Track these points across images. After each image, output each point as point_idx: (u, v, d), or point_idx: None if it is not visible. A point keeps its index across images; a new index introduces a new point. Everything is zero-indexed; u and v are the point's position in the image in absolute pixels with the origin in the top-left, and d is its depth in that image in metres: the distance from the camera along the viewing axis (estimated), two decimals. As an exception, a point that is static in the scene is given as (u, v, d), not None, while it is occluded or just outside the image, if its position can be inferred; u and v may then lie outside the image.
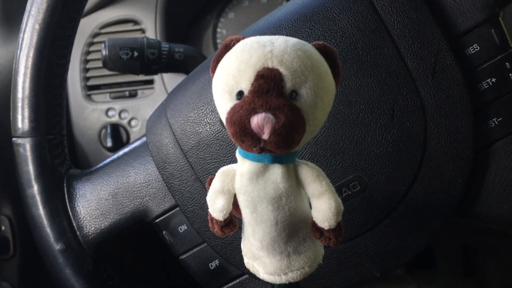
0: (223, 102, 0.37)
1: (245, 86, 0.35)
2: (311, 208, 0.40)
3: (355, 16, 0.47)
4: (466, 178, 0.47)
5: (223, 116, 0.37)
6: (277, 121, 0.33)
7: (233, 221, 0.42)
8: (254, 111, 0.33)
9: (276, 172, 0.38)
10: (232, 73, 0.35)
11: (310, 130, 0.36)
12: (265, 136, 0.33)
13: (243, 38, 0.38)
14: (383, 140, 0.46)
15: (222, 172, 0.40)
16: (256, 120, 0.33)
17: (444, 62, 0.46)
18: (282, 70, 0.34)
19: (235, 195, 0.40)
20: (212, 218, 0.42)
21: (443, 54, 0.46)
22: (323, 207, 0.38)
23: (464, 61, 0.47)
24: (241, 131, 0.34)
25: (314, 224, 0.39)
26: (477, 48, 0.47)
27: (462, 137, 0.46)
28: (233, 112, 0.35)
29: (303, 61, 0.35)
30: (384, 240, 0.48)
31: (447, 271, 0.93)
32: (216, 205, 0.41)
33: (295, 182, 0.39)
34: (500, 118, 0.47)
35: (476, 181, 0.48)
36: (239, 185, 0.39)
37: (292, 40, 0.36)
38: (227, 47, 0.38)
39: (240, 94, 0.35)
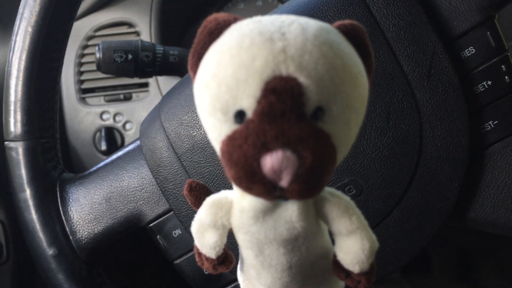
0: (215, 124, 0.26)
1: (248, 104, 0.25)
2: (331, 240, 0.32)
3: (350, 19, 0.46)
4: (461, 181, 0.47)
5: (216, 143, 0.28)
6: (301, 162, 0.24)
7: (229, 257, 0.34)
8: (266, 148, 0.24)
9: (291, 209, 0.29)
10: (227, 83, 0.25)
11: (340, 157, 0.27)
12: (284, 183, 0.24)
13: (234, 18, 0.27)
14: (379, 143, 0.46)
15: (212, 204, 0.31)
16: (271, 162, 0.24)
17: (439, 65, 0.46)
18: (302, 79, 0.24)
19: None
20: (200, 253, 0.33)
21: (439, 57, 0.46)
22: (353, 248, 0.30)
23: (459, 63, 0.46)
24: (247, 177, 0.24)
25: (337, 264, 0.31)
26: (472, 50, 0.46)
27: (458, 140, 0.46)
28: (232, 145, 0.25)
29: (332, 62, 0.25)
30: (380, 244, 0.48)
31: (443, 274, 0.93)
32: (205, 241, 0.32)
33: (314, 218, 0.30)
34: (496, 121, 0.47)
35: (472, 185, 0.48)
36: (239, 223, 0.30)
37: (311, 28, 0.25)
38: (212, 35, 0.27)
39: (240, 115, 0.25)
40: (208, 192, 0.34)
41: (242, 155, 0.24)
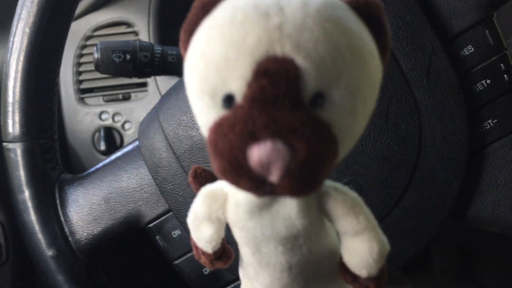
0: (202, 109, 0.24)
1: (237, 87, 0.22)
2: (339, 239, 0.29)
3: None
4: (461, 180, 0.46)
5: (204, 130, 0.25)
6: (293, 155, 0.21)
7: (227, 252, 0.32)
8: (254, 137, 0.21)
9: (290, 205, 0.26)
10: (215, 63, 0.22)
11: (344, 150, 0.24)
12: (274, 178, 0.21)
13: None
14: (378, 143, 0.46)
15: (207, 195, 0.29)
16: (258, 154, 0.21)
17: (438, 64, 0.45)
18: (299, 60, 0.21)
19: None
20: (197, 246, 0.31)
21: (437, 56, 0.45)
22: (360, 250, 0.27)
23: (458, 62, 0.46)
24: (232, 170, 0.22)
25: (343, 266, 0.29)
26: (471, 49, 0.46)
27: (457, 139, 0.46)
28: (218, 134, 0.22)
29: (335, 42, 0.22)
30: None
31: (444, 272, 0.93)
32: (201, 234, 0.30)
33: (317, 215, 0.27)
34: (496, 120, 0.46)
35: (472, 184, 0.48)
36: (234, 217, 0.28)
37: (315, 2, 0.22)
38: (205, 9, 0.24)
39: (228, 99, 0.23)
40: (214, 180, 0.32)
41: (227, 145, 0.21)
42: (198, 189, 0.32)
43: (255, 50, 0.21)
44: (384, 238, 0.28)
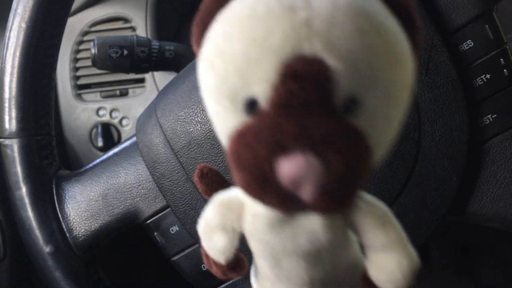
0: (220, 114, 0.22)
1: (261, 90, 0.20)
2: (362, 251, 0.28)
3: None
4: (460, 176, 0.46)
5: (222, 137, 0.23)
6: (326, 170, 0.19)
7: (241, 263, 0.29)
8: (282, 148, 0.19)
9: (314, 217, 0.24)
10: (235, 63, 0.20)
11: (377, 160, 0.22)
12: (305, 195, 0.19)
13: None
14: (377, 138, 0.46)
15: (221, 204, 0.27)
16: (288, 169, 0.19)
17: (437, 59, 0.45)
18: (330, 61, 0.19)
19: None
20: (208, 255, 0.29)
21: (437, 50, 0.45)
22: (388, 266, 0.25)
23: (458, 57, 0.46)
24: (257, 184, 0.20)
25: (368, 280, 0.27)
26: (471, 44, 0.46)
27: (457, 135, 0.46)
28: (241, 144, 0.20)
29: (369, 39, 0.19)
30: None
31: (442, 268, 0.93)
32: (213, 243, 0.28)
33: (342, 227, 0.25)
34: (495, 115, 0.46)
35: (471, 179, 0.47)
36: (252, 229, 0.26)
37: None
38: (221, 0, 0.22)
39: (251, 105, 0.20)
40: (222, 180, 0.30)
41: (252, 157, 0.19)
42: (205, 190, 0.30)
43: (281, 49, 0.19)
44: (414, 252, 0.26)
